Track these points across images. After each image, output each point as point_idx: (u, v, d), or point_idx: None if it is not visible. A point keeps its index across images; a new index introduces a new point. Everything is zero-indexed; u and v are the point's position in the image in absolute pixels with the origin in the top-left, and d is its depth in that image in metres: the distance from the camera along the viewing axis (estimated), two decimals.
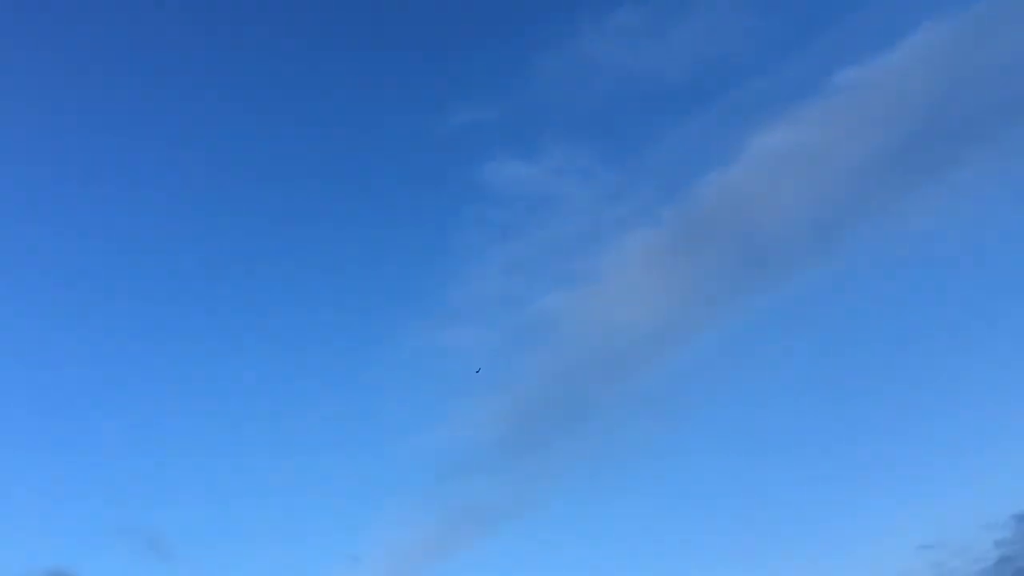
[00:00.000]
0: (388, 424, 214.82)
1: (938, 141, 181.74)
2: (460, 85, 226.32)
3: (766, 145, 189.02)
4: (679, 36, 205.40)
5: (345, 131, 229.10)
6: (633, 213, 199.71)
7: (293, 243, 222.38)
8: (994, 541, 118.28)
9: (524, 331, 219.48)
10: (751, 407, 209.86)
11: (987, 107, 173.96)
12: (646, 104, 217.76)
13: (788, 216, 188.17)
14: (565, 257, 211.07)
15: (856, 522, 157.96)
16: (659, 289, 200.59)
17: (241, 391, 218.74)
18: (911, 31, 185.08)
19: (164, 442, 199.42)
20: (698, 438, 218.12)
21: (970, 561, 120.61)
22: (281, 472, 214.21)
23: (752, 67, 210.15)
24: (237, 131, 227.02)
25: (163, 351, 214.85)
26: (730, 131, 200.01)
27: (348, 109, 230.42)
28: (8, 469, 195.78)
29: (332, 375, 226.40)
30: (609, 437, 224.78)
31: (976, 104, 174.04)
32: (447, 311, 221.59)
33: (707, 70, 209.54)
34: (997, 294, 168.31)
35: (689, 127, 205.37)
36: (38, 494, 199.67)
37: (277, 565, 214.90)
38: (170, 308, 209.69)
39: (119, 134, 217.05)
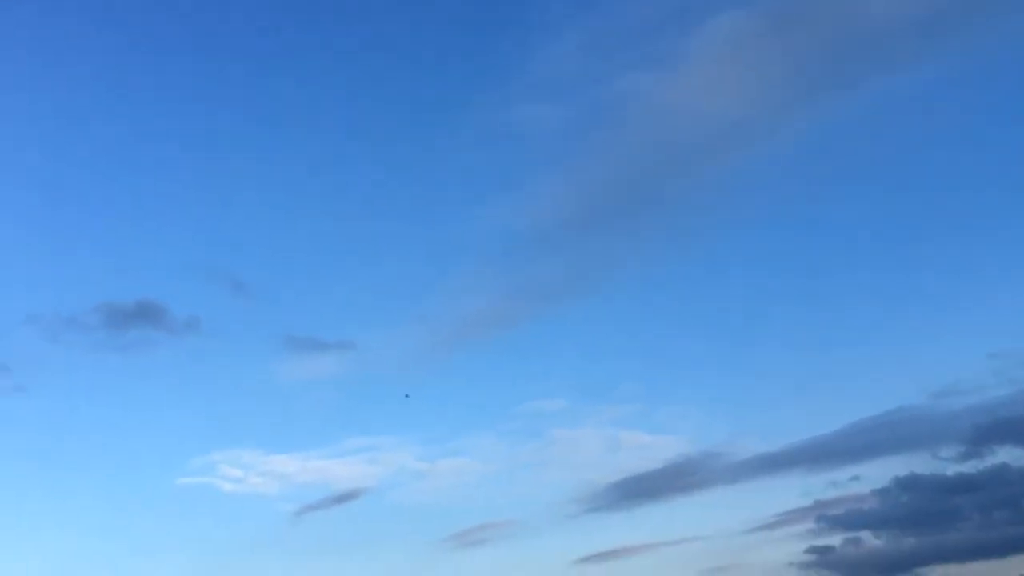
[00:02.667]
0: (458, 195, 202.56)
1: None
2: None
3: None
4: None
5: None
6: None
7: (372, 11, 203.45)
8: None
9: (599, 111, 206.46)
10: (827, 207, 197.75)
11: None
12: None
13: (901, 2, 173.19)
14: (648, 38, 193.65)
15: (928, 325, 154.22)
16: (745, 79, 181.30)
17: (320, 147, 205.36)
18: None
19: (254, 187, 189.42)
20: (769, 232, 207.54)
21: None
22: (355, 230, 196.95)
23: None
24: None
25: (248, 110, 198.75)
26: None
27: None
28: (103, 203, 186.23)
29: (406, 142, 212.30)
30: (676, 225, 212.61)
31: None
32: (521, 86, 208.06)
33: None
34: None
35: None
36: (132, 229, 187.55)
37: (345, 316, 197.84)
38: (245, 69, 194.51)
39: None
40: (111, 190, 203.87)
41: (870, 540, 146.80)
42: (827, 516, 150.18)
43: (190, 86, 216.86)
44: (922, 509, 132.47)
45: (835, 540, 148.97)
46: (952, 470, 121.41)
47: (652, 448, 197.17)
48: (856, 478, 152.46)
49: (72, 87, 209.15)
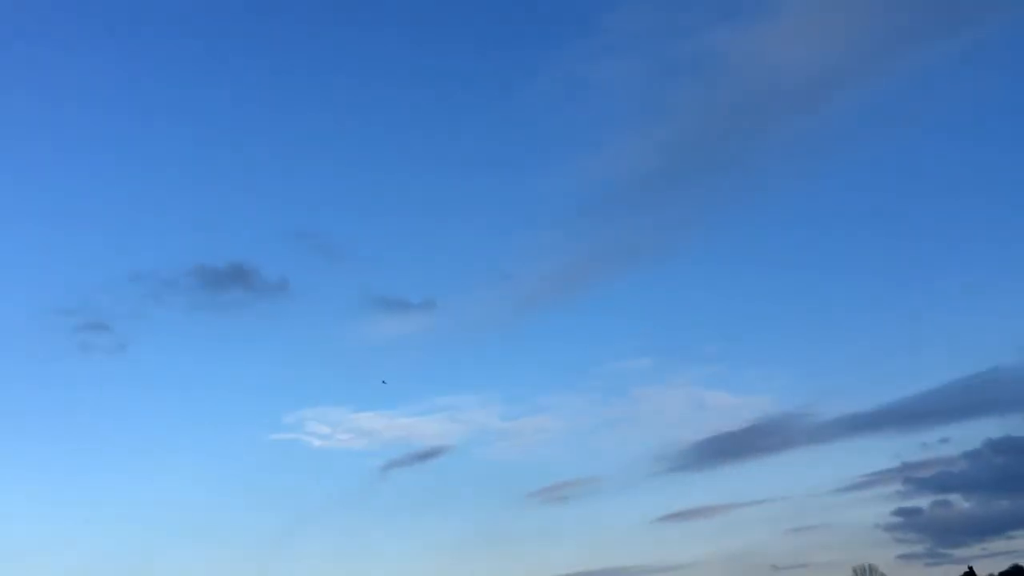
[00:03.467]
0: (538, 153, 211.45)
1: None
2: None
3: None
4: None
5: None
6: None
7: None
8: None
9: (683, 66, 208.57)
10: (920, 161, 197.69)
11: None
12: None
13: None
14: None
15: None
16: (834, 30, 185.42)
17: (403, 110, 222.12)
18: None
19: (339, 152, 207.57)
20: (857, 188, 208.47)
21: None
22: (438, 191, 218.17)
23: None
24: None
25: (333, 76, 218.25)
26: None
27: None
28: (198, 170, 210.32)
29: (485, 101, 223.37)
30: (760, 181, 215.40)
31: None
32: (600, 42, 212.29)
33: None
34: None
35: None
36: (225, 195, 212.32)
37: (428, 276, 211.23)
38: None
39: None
40: (205, 158, 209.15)
41: (960, 503, 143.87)
42: (915, 478, 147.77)
43: (280, 54, 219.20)
44: (1016, 472, 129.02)
45: (923, 502, 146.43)
46: None
47: (735, 408, 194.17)
48: (946, 440, 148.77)
49: (169, 59, 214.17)
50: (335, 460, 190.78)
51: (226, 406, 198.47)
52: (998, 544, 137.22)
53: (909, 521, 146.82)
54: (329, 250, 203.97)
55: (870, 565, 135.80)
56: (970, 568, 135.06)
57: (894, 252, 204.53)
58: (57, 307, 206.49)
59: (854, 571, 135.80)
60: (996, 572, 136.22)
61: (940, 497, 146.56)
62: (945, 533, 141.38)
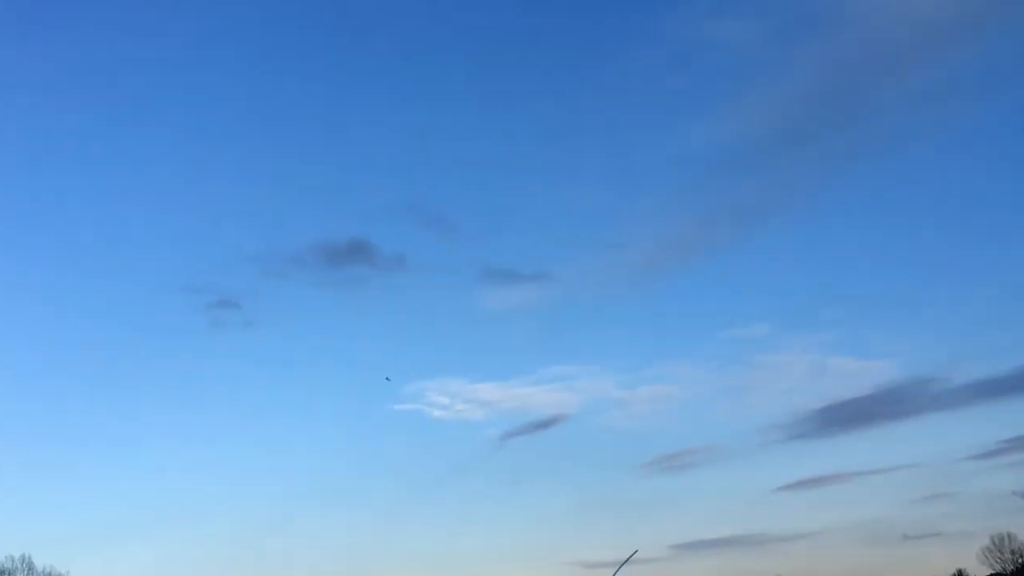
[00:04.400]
0: (651, 117, 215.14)
1: None
2: None
3: None
4: None
5: None
6: None
7: None
8: None
9: (797, 23, 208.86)
10: None
11: None
12: None
13: None
14: None
15: None
16: None
17: (513, 80, 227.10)
18: None
19: (452, 128, 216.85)
20: (988, 140, 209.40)
21: None
22: (549, 161, 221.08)
23: None
24: None
25: (451, 57, 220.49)
26: None
27: None
28: (317, 150, 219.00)
29: (597, 66, 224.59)
30: (883, 138, 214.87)
31: None
32: (714, 2, 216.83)
33: None
34: None
35: None
36: (343, 173, 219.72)
37: (542, 247, 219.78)
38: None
39: None
40: (324, 138, 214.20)
41: None
42: None
43: (395, 33, 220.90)
44: None
45: None
46: None
47: (860, 374, 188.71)
48: None
49: (289, 47, 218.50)
50: (454, 430, 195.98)
51: (349, 378, 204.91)
52: None
53: None
54: (444, 224, 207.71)
55: (1009, 533, 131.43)
56: None
57: None
58: (189, 286, 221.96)
59: (992, 540, 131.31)
60: None
61: None
62: None
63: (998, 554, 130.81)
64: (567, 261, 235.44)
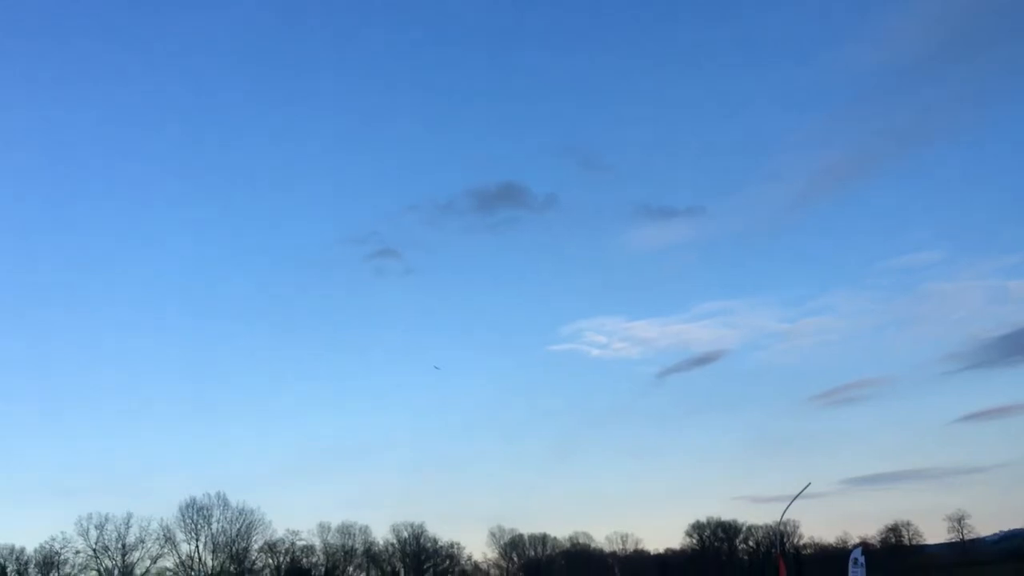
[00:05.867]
0: (802, 39, 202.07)
1: None
2: None
3: None
4: None
5: None
6: None
7: None
8: None
9: None
10: None
11: None
12: None
13: None
14: None
15: None
16: None
17: (656, 8, 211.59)
18: None
19: (596, 65, 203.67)
20: None
21: None
22: (698, 91, 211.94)
23: None
24: None
25: None
26: None
27: None
28: (466, 93, 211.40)
29: None
30: None
31: None
32: None
33: None
34: None
35: None
36: (493, 117, 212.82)
37: (694, 181, 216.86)
38: None
39: None
40: (470, 81, 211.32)
41: None
42: None
43: None
44: None
45: None
46: None
47: None
48: None
49: None
50: (612, 368, 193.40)
51: (506, 320, 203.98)
52: None
53: None
54: (595, 162, 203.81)
55: None
56: None
57: None
58: (352, 237, 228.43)
59: None
60: None
61: None
62: None
63: None
64: (721, 194, 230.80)
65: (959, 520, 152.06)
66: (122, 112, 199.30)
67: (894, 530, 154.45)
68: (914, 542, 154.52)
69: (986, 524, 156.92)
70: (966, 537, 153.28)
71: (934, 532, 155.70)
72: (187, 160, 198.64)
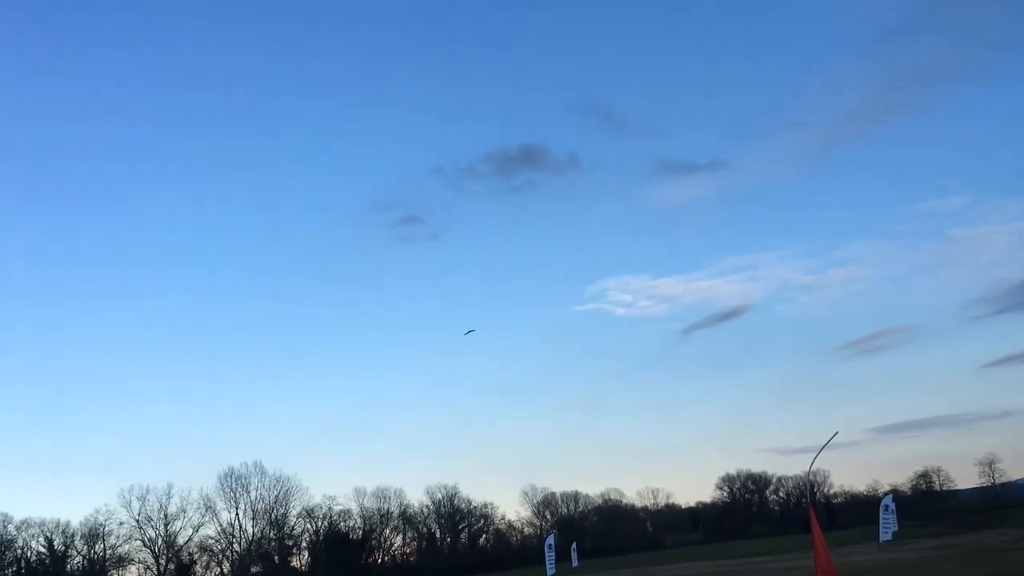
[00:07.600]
0: None
1: None
2: None
3: None
4: None
5: None
6: None
7: None
8: None
9: None
10: None
11: None
12: None
13: None
14: None
15: None
16: None
17: None
18: None
19: (610, 18, 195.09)
20: None
21: None
22: (714, 37, 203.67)
23: None
24: None
25: None
26: None
27: None
28: (481, 58, 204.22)
29: None
30: None
31: None
32: None
33: None
34: None
35: None
36: (509, 79, 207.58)
37: (714, 134, 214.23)
38: None
39: None
40: (484, 48, 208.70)
41: None
42: None
43: None
44: None
45: None
46: None
47: None
48: None
49: None
50: (637, 326, 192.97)
51: (531, 282, 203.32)
52: None
53: None
54: (613, 120, 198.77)
55: None
56: None
57: None
58: (375, 204, 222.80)
59: None
60: None
61: None
62: None
63: None
64: (741, 146, 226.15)
65: (990, 464, 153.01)
66: (145, 75, 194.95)
67: (924, 476, 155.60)
68: (945, 488, 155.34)
69: (1018, 467, 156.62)
70: (997, 481, 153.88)
71: (965, 477, 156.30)
72: (210, 125, 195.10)
